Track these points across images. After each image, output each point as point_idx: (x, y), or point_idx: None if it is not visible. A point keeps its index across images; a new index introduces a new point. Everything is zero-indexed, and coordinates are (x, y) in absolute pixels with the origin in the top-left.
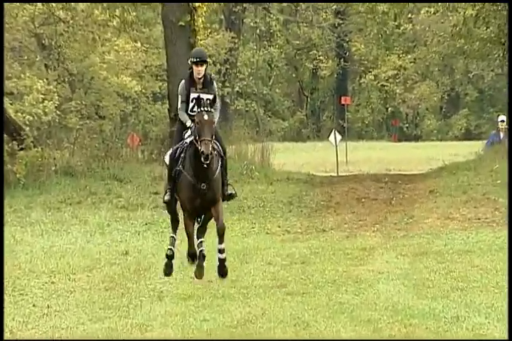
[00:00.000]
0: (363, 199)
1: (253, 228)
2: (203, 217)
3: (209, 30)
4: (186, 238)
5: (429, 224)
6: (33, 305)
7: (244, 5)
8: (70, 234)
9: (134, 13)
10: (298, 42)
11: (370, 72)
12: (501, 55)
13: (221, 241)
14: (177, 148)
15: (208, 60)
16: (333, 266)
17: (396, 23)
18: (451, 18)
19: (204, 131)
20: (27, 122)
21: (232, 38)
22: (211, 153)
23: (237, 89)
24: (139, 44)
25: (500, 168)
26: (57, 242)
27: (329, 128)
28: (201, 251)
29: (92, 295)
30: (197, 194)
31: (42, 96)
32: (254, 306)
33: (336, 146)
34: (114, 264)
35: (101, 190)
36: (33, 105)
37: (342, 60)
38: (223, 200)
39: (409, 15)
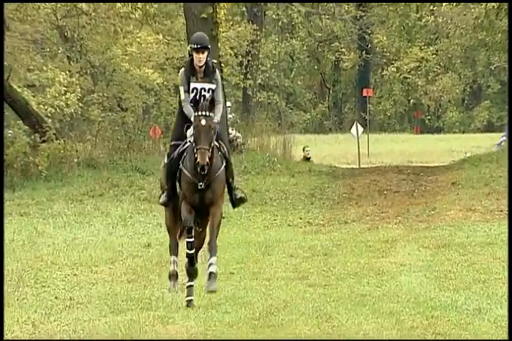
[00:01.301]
0: (385, 192)
1: (275, 220)
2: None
3: (231, 23)
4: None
5: (451, 216)
6: (56, 297)
7: None
8: (92, 226)
9: (156, 5)
10: (320, 34)
11: (392, 64)
12: None
13: (212, 254)
14: (176, 148)
15: (209, 46)
16: (355, 258)
17: (418, 15)
18: (473, 10)
19: (201, 138)
20: (49, 114)
21: (254, 30)
22: (208, 163)
23: (259, 81)
24: (160, 36)
25: None
26: (79, 234)
27: (351, 121)
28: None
29: (114, 287)
30: (196, 192)
31: (64, 88)
32: (276, 298)
33: (358, 138)
34: (136, 256)
35: (123, 182)
36: (56, 97)
37: (364, 52)
38: (234, 206)
39: (431, 7)
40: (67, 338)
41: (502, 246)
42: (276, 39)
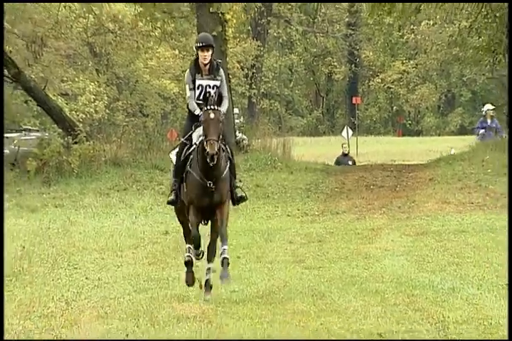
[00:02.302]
0: (372, 186)
1: (276, 211)
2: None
3: (238, 40)
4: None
5: (429, 207)
6: (86, 278)
7: (269, 18)
8: (117, 216)
9: (173, 25)
10: (315, 49)
11: (377, 75)
12: (491, 61)
13: (224, 243)
14: (184, 147)
15: (214, 45)
16: (346, 244)
17: (400, 34)
18: (447, 29)
19: (210, 130)
20: (80, 119)
21: (258, 46)
22: (217, 153)
23: (262, 90)
24: (177, 51)
25: (491, 158)
26: (106, 223)
27: (342, 125)
28: (207, 281)
29: (136, 269)
30: (204, 193)
31: (93, 96)
32: (277, 279)
33: (348, 140)
34: (156, 243)
35: (144, 178)
36: (86, 105)
37: (353, 65)
38: (234, 204)
39: (412, 27)
40: (96, 313)
41: (473, 233)
42: (277, 54)
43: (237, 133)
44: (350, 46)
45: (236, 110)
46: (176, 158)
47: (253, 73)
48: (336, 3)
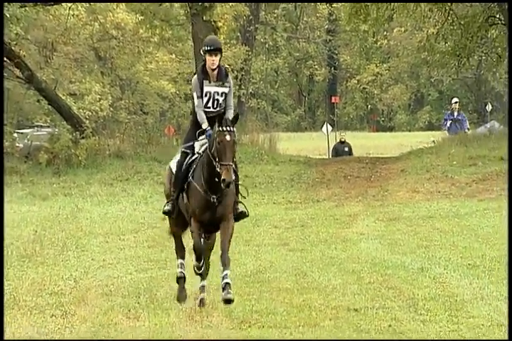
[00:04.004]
0: (349, 177)
1: (263, 199)
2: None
3: (228, 45)
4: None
5: (400, 196)
6: (92, 259)
7: (256, 25)
8: (120, 203)
9: (170, 32)
10: (298, 54)
11: (354, 77)
12: (456, 64)
13: (226, 268)
14: (185, 157)
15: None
16: (325, 228)
17: (374, 39)
18: (417, 35)
19: (226, 154)
20: (87, 117)
21: (247, 51)
22: (233, 180)
23: (250, 90)
24: (174, 56)
25: (456, 152)
26: (110, 210)
27: (322, 121)
28: (201, 300)
29: (137, 252)
30: (207, 207)
31: (98, 96)
32: (263, 260)
33: (328, 135)
34: (155, 227)
35: (145, 169)
36: (92, 103)
37: (332, 68)
38: (235, 220)
39: (385, 33)
40: (101, 291)
41: (440, 219)
42: (264, 58)
43: None
44: (330, 51)
45: None
46: (176, 167)
47: (242, 75)
48: (317, 12)
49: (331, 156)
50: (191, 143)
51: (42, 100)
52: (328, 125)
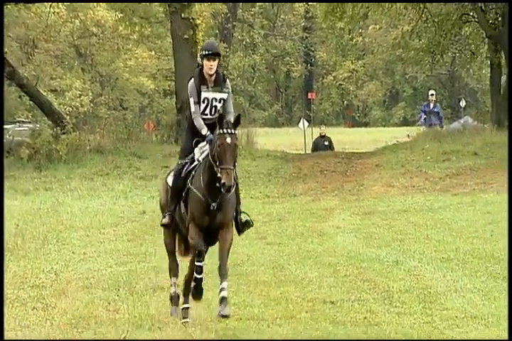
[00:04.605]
0: (325, 172)
1: (240, 193)
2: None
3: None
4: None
5: (375, 190)
6: (72, 253)
7: (234, 23)
8: (100, 198)
9: (150, 29)
10: (275, 51)
11: (330, 74)
12: (430, 61)
13: (223, 279)
14: (183, 167)
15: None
16: (302, 222)
17: (350, 37)
18: (392, 32)
19: (226, 157)
20: (68, 112)
21: (225, 47)
22: (234, 184)
23: None
24: (153, 52)
25: (430, 147)
26: (90, 204)
27: (299, 117)
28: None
29: (117, 245)
30: (206, 213)
31: (79, 92)
32: (241, 253)
33: (304, 131)
34: (134, 221)
35: (124, 164)
36: (72, 99)
37: (309, 64)
38: (239, 232)
39: (360, 31)
40: (81, 284)
41: (414, 213)
42: (241, 54)
43: None
44: (306, 47)
45: None
46: (173, 178)
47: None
48: (294, 10)
49: (311, 150)
50: (190, 155)
51: (23, 96)
52: (305, 121)
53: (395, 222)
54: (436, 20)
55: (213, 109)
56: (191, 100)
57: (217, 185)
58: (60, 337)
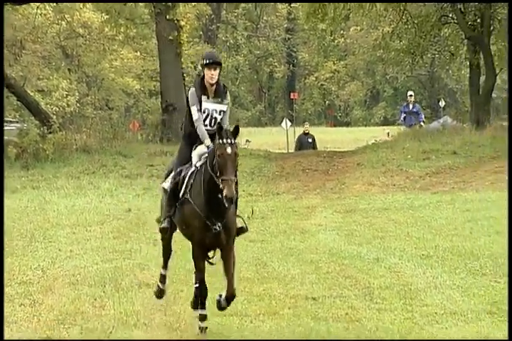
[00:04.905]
0: (307, 170)
1: None
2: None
3: (191, 43)
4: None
5: (357, 188)
6: (59, 250)
7: (218, 24)
8: (86, 196)
9: (135, 30)
10: (258, 52)
11: (312, 74)
12: (411, 61)
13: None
14: (180, 173)
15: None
16: (285, 220)
17: (332, 38)
18: (372, 33)
19: (227, 168)
20: (54, 112)
21: (209, 48)
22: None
23: None
24: (138, 53)
25: (410, 146)
26: (77, 202)
27: (281, 117)
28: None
29: (103, 242)
30: (208, 231)
31: (66, 92)
32: None
33: (287, 130)
34: (120, 219)
35: (110, 163)
36: (59, 99)
37: (291, 65)
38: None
39: (342, 32)
40: (68, 280)
41: (395, 211)
42: (225, 55)
43: None
44: (289, 49)
45: None
46: (169, 184)
47: None
48: (277, 11)
49: (295, 147)
50: (187, 164)
51: (11, 96)
52: (287, 120)
53: (375, 219)
54: (416, 21)
55: (213, 120)
56: (194, 108)
57: (220, 199)
58: (47, 333)
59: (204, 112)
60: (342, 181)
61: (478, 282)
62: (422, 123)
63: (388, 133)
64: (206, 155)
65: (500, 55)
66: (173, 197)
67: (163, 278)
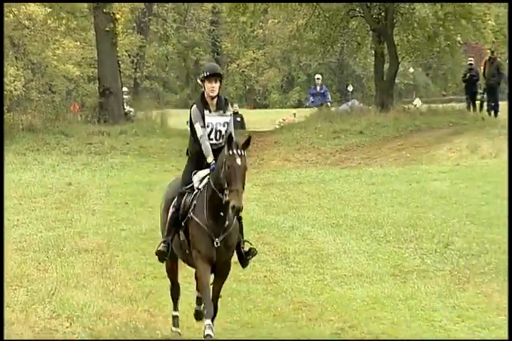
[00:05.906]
0: None
1: (155, 167)
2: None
3: (126, 34)
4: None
5: (274, 164)
6: (8, 219)
7: (150, 17)
8: (31, 171)
9: (75, 22)
10: (186, 41)
11: (234, 62)
12: (322, 51)
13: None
14: (182, 196)
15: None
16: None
17: (252, 29)
18: (288, 26)
19: (236, 179)
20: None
21: (142, 39)
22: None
23: (144, 73)
24: (78, 43)
25: (322, 126)
26: (23, 177)
27: None
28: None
29: (46, 212)
30: (211, 250)
31: (13, 78)
32: (156, 219)
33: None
34: (61, 191)
35: (53, 141)
36: (7, 84)
37: (215, 53)
38: (243, 265)
39: (261, 24)
40: (15, 247)
41: (308, 184)
42: (156, 45)
43: (125, 106)
44: (213, 39)
45: (125, 88)
46: (173, 209)
47: (137, 60)
48: (202, 6)
49: None
50: (190, 184)
51: None
52: None
53: (291, 192)
54: (327, 15)
55: (218, 133)
56: (198, 125)
57: (222, 214)
58: None
59: (208, 127)
60: (261, 157)
61: (382, 248)
62: (328, 104)
63: (294, 114)
64: (208, 176)
65: (402, 45)
66: (175, 223)
67: (175, 321)
